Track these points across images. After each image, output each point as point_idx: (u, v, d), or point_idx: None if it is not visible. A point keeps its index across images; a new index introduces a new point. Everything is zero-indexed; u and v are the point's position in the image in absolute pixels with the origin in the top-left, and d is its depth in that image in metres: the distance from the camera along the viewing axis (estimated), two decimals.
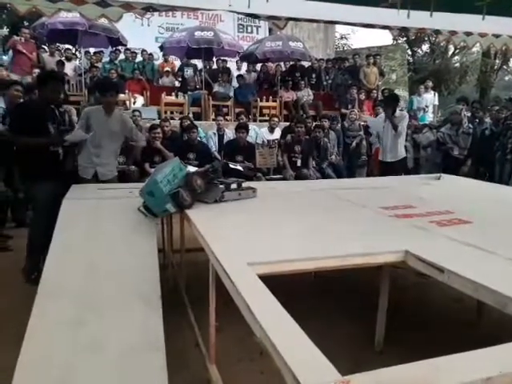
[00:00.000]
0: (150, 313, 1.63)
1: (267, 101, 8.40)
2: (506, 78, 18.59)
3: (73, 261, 1.94)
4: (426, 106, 8.19)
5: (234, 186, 2.59)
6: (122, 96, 7.74)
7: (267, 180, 5.50)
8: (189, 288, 2.67)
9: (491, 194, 3.42)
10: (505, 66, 17.13)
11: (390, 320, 2.23)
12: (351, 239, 1.96)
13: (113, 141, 3.70)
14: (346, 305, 2.66)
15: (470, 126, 5.78)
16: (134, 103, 7.87)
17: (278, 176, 5.93)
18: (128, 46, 8.92)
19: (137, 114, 6.02)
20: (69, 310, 1.60)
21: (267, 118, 7.79)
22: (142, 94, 8.21)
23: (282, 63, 9.50)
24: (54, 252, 1.99)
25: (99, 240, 2.16)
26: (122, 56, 9.11)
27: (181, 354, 2.03)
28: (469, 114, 6.17)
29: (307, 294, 2.77)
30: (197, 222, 2.10)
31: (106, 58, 9.09)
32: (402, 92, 11.91)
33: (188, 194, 2.27)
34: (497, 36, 6.28)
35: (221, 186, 2.51)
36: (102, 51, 9.10)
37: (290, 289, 2.64)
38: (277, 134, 6.74)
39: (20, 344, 1.35)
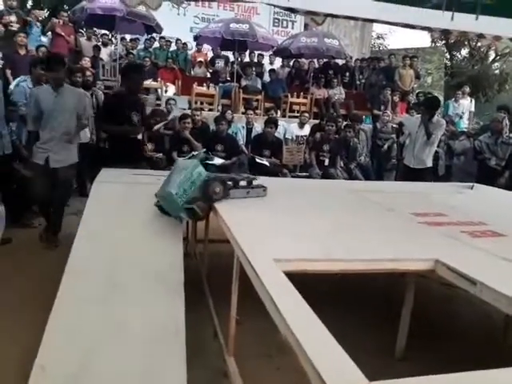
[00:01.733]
0: (173, 300, 1.64)
1: (298, 97, 8.32)
2: None
3: (99, 244, 1.98)
4: (462, 113, 7.95)
5: (242, 183, 2.43)
6: (154, 84, 7.85)
7: (293, 177, 5.47)
8: (210, 278, 2.68)
9: None
10: None
11: (412, 329, 2.18)
12: (380, 243, 1.92)
13: (65, 120, 3.42)
14: (368, 310, 2.61)
15: (511, 135, 5.53)
16: (166, 91, 7.95)
17: (304, 174, 5.89)
18: (162, 35, 9.01)
19: (172, 102, 6.08)
20: (94, 292, 1.63)
21: (297, 114, 7.73)
22: (174, 83, 8.28)
23: (315, 60, 9.39)
24: (82, 234, 2.02)
25: (126, 225, 2.19)
26: (156, 44, 9.20)
27: (199, 343, 2.04)
28: (508, 124, 5.93)
29: (330, 296, 2.74)
30: (224, 213, 2.09)
31: (140, 46, 9.20)
32: (437, 95, 11.59)
33: (203, 207, 2.18)
34: None
35: (229, 182, 2.35)
36: (137, 38, 9.22)
37: (312, 289, 2.62)
38: (306, 129, 6.68)
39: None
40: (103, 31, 9.37)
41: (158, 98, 7.48)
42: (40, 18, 8.58)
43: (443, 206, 2.89)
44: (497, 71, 17.08)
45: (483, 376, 0.93)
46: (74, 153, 3.60)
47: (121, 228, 2.14)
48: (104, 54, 8.35)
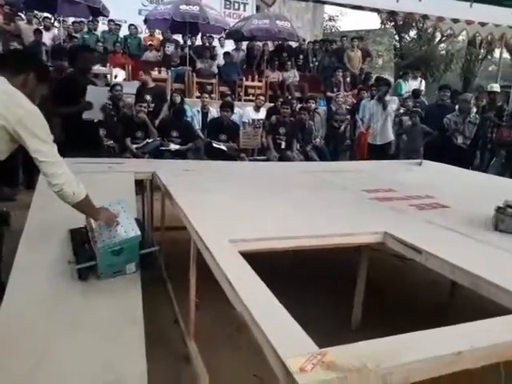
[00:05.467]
0: (129, 287, 1.62)
1: (253, 80, 8.29)
2: (490, 68, 18.73)
3: (49, 236, 1.90)
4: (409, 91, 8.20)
5: None
6: (102, 69, 7.54)
7: (250, 161, 5.48)
8: (169, 266, 2.67)
9: (470, 181, 3.50)
10: (489, 56, 17.27)
11: (367, 300, 2.28)
12: (332, 220, 1.98)
13: None
14: (324, 285, 2.69)
15: (477, 116, 5.70)
16: (116, 77, 7.66)
17: (262, 157, 5.91)
18: (111, 18, 8.64)
19: (118, 88, 5.86)
20: (46, 284, 1.58)
21: (252, 97, 7.70)
22: (124, 68, 7.99)
23: (269, 42, 9.36)
24: (31, 226, 1.94)
25: (76, 216, 2.11)
26: (104, 27, 8.81)
27: (160, 330, 2.03)
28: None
29: (286, 272, 2.81)
30: (179, 199, 2.08)
31: (86, 29, 8.77)
32: (387, 77, 11.93)
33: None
34: (483, 24, 6.35)
35: None
36: (82, 21, 8.78)
37: (269, 267, 2.66)
38: (262, 113, 6.67)
39: None
40: (45, 14, 8.84)
41: (108, 84, 7.20)
42: None
43: (393, 182, 3.01)
44: (443, 52, 17.78)
45: (434, 333, 1.01)
46: None
47: (70, 218, 2.05)
48: (46, 38, 7.89)
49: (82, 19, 8.67)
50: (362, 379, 0.83)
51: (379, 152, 5.12)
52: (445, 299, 2.61)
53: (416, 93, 7.17)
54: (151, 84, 6.06)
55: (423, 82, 8.72)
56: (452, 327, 1.02)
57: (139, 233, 1.71)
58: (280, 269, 2.79)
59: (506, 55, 9.89)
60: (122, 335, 1.36)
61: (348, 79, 8.13)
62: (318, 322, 2.12)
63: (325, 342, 0.95)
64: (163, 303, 2.30)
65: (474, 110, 5.89)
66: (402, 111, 6.51)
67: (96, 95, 3.59)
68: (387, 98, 5.19)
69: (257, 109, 6.64)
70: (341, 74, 8.03)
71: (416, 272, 2.77)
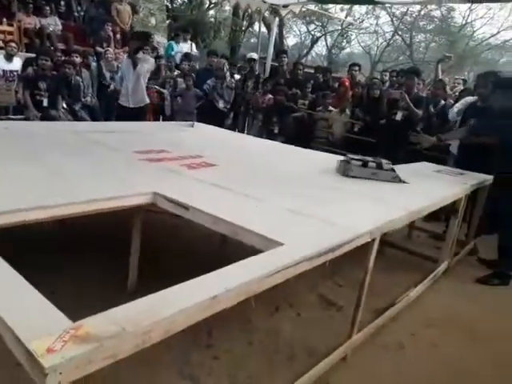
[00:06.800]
0: None
1: (0, 24, 6.85)
2: (252, 40, 20.77)
3: None
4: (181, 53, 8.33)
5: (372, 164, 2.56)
6: None
7: (2, 120, 4.59)
8: None
9: (235, 141, 3.87)
10: (250, 29, 19.13)
11: (145, 261, 2.27)
12: (99, 184, 1.86)
13: None
14: (97, 252, 2.54)
15: (233, 80, 6.10)
16: None
17: (20, 116, 5.04)
18: None
19: None
20: None
21: (2, 44, 6.38)
22: None
23: None
24: None
25: None
26: None
27: None
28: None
29: (53, 246, 2.53)
30: None
31: None
32: (161, 38, 11.79)
33: None
34: None
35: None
36: None
37: (29, 243, 2.34)
38: (17, 64, 5.61)
39: None
40: None
41: None
42: None
43: (166, 143, 3.04)
44: (212, 19, 18.67)
45: (193, 284, 1.06)
46: None
47: None
48: None
49: None
50: (118, 344, 0.80)
51: (134, 117, 4.63)
52: (218, 248, 2.83)
53: (188, 56, 7.33)
54: None
55: (194, 45, 8.97)
56: (209, 274, 1.10)
57: None
58: (43, 242, 2.50)
59: (264, 29, 11.07)
60: None
61: (118, 35, 7.63)
62: (92, 292, 2.01)
63: (98, 309, 0.89)
64: None
65: (237, 76, 6.42)
66: (176, 73, 6.59)
67: None
68: (139, 55, 4.81)
69: (8, 57, 5.53)
70: (110, 28, 7.46)
71: (192, 226, 2.91)
